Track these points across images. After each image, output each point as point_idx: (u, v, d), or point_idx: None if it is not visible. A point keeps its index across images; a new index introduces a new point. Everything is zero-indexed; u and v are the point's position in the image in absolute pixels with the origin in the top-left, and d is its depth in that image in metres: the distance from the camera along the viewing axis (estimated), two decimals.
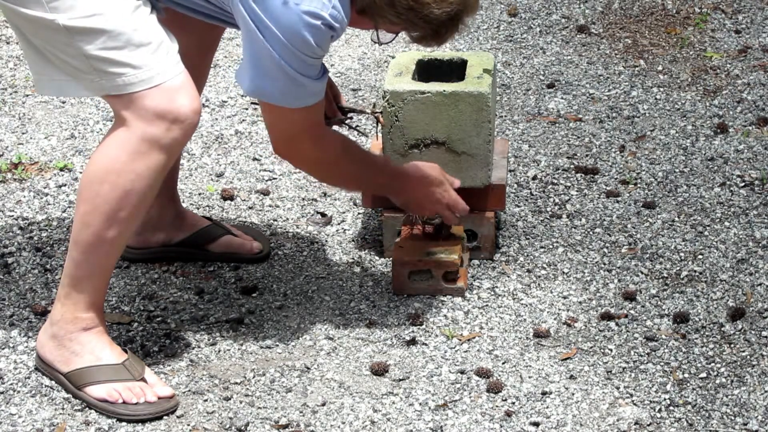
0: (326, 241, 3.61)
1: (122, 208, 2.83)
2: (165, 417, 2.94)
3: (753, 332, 3.21)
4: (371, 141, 3.87)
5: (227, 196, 3.80)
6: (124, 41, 2.76)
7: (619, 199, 3.77)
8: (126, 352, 2.99)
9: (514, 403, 2.99)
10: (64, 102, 4.31)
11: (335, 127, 3.35)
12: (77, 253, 2.89)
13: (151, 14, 2.83)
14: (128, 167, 2.80)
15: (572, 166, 3.94)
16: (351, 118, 3.31)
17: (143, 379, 2.96)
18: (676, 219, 3.68)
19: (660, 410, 2.97)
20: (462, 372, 3.08)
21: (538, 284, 3.41)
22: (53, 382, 3.02)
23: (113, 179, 2.81)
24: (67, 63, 2.81)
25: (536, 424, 2.92)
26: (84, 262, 2.90)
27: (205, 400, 3.00)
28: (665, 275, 3.44)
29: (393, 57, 4.18)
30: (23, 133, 4.14)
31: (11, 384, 3.04)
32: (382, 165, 3.22)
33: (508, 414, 2.95)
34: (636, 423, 2.92)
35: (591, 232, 3.62)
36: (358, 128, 3.42)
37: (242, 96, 4.33)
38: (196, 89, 2.85)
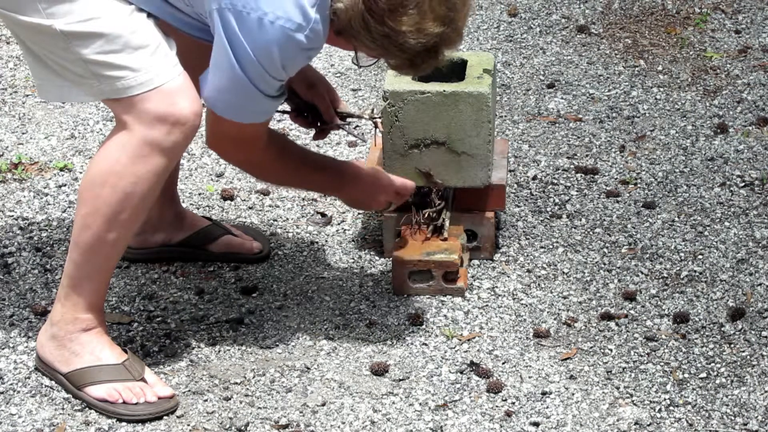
0: (326, 241, 3.61)
1: (123, 210, 2.83)
2: (165, 417, 2.94)
3: (753, 332, 3.21)
4: (369, 145, 3.87)
5: (227, 196, 3.80)
6: (122, 44, 2.76)
7: (619, 199, 3.77)
8: (126, 352, 3.00)
9: (514, 403, 2.99)
10: (64, 102, 4.31)
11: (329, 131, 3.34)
12: (77, 254, 2.89)
13: (149, 17, 2.82)
14: (129, 170, 2.80)
15: (572, 166, 3.94)
16: (348, 123, 3.30)
17: (143, 379, 2.96)
18: (676, 219, 3.68)
19: (660, 410, 2.97)
20: (462, 372, 3.08)
21: (538, 284, 3.41)
22: (53, 382, 3.02)
23: (114, 182, 2.81)
24: (66, 68, 2.81)
25: (536, 424, 2.92)
26: (84, 263, 2.90)
27: (205, 400, 3.00)
28: (665, 275, 3.44)
29: None
30: (23, 133, 4.14)
31: (11, 384, 3.04)
32: (321, 164, 3.18)
33: (508, 414, 2.95)
34: (636, 423, 2.93)
35: (591, 232, 3.62)
36: (353, 134, 3.41)
37: None
38: (196, 91, 2.84)
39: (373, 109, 3.37)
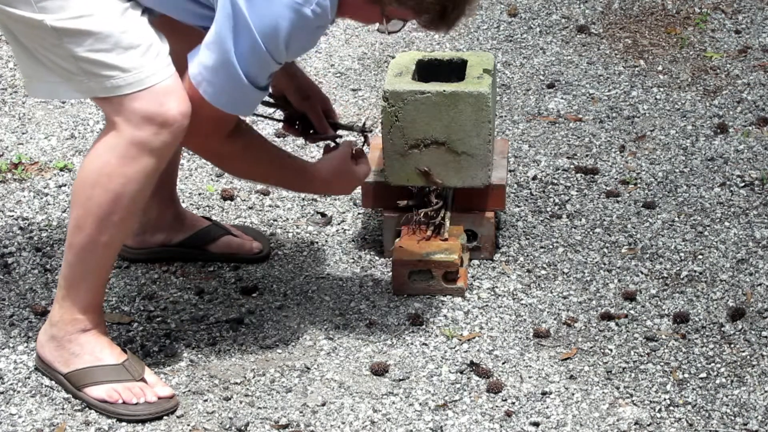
0: (326, 241, 3.61)
1: (114, 211, 2.82)
2: (165, 417, 2.94)
3: (753, 332, 3.21)
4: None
5: (227, 196, 3.80)
6: (113, 43, 2.75)
7: (619, 199, 3.77)
8: (126, 352, 2.99)
9: (514, 403, 2.99)
10: (64, 102, 4.31)
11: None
12: (72, 256, 2.89)
13: (142, 16, 2.81)
14: (119, 171, 2.79)
15: (572, 166, 3.94)
16: (340, 136, 3.29)
17: (143, 380, 2.96)
18: (676, 219, 3.68)
19: (660, 410, 2.97)
20: (462, 372, 3.08)
21: (538, 284, 3.41)
22: (53, 382, 3.02)
23: (104, 183, 2.80)
24: (56, 64, 2.80)
25: (536, 424, 2.92)
26: (79, 265, 2.89)
27: (205, 400, 3.00)
28: (665, 275, 3.44)
29: (393, 57, 4.18)
30: (23, 133, 4.14)
31: (11, 384, 3.04)
32: (292, 165, 3.11)
33: (508, 414, 2.95)
34: (636, 423, 2.92)
35: (591, 232, 3.62)
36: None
37: None
38: (186, 92, 2.81)
39: (364, 123, 3.35)
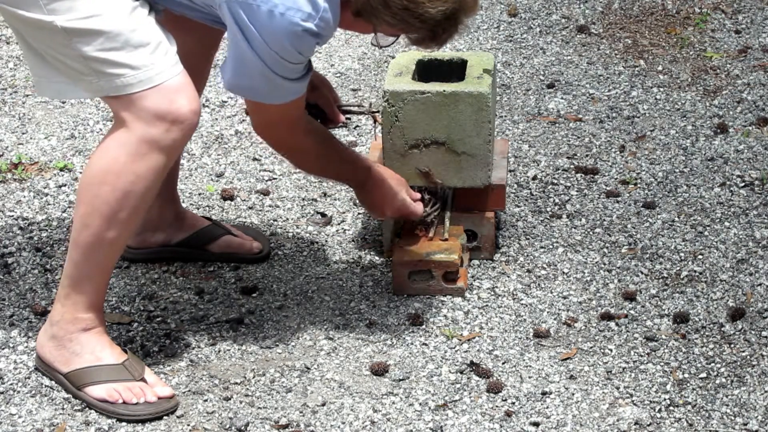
0: (326, 241, 3.61)
1: (122, 209, 2.83)
2: (165, 417, 2.94)
3: (753, 332, 3.21)
4: (370, 141, 3.87)
5: (227, 196, 3.80)
6: (122, 42, 2.76)
7: (619, 199, 3.77)
8: (126, 352, 3.00)
9: (514, 403, 2.99)
10: (64, 102, 4.31)
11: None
12: (77, 254, 2.89)
13: (150, 15, 2.83)
14: (128, 168, 2.80)
15: (572, 166, 3.94)
16: (350, 119, 3.32)
17: (143, 379, 2.96)
18: (676, 219, 3.68)
19: (660, 410, 2.97)
20: (462, 372, 3.08)
21: (538, 284, 3.41)
22: (53, 382, 3.02)
23: (113, 180, 2.81)
24: (66, 65, 2.81)
25: (536, 424, 2.92)
26: (83, 263, 2.89)
27: (205, 400, 3.00)
28: (665, 275, 3.44)
29: (393, 57, 4.18)
30: (23, 133, 4.14)
31: (11, 384, 3.04)
32: (355, 160, 3.24)
33: (508, 414, 2.95)
34: (636, 423, 2.93)
35: (591, 232, 3.62)
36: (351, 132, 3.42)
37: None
38: (195, 90, 2.85)
39: (370, 104, 3.38)
